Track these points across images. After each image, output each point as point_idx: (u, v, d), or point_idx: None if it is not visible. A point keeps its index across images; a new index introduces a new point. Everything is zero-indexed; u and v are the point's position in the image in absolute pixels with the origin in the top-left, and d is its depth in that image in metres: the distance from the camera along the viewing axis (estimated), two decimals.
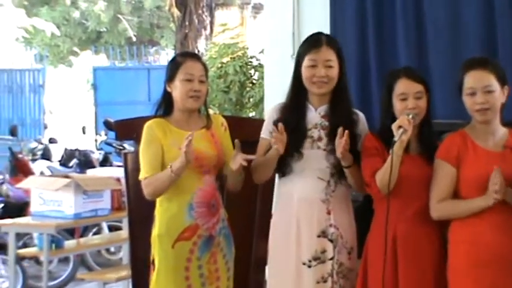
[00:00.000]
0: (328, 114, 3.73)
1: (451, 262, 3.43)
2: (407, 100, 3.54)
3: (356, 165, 3.63)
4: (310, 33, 3.89)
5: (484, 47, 4.89)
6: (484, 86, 3.39)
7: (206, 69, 3.86)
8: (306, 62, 3.69)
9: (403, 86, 3.57)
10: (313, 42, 3.74)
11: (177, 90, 3.75)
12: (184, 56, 3.95)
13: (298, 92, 3.75)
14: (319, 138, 3.70)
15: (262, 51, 8.71)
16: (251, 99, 9.62)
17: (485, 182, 3.30)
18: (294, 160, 3.69)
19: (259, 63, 9.50)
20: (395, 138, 3.35)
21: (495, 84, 3.40)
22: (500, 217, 3.33)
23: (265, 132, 3.79)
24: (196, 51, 12.49)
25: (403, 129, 3.36)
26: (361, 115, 3.81)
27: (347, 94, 3.77)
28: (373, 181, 3.49)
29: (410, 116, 3.43)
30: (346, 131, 3.50)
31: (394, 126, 3.40)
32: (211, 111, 4.25)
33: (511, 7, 4.89)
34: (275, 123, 3.66)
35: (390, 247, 3.50)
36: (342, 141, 3.50)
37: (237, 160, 3.60)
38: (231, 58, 9.89)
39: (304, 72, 3.70)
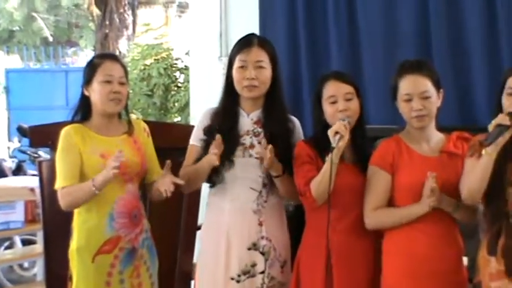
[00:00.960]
0: (261, 120, 3.74)
1: (385, 273, 3.47)
2: (337, 103, 3.56)
3: (287, 174, 3.64)
4: (239, 34, 3.90)
5: (419, 51, 4.98)
6: (421, 92, 3.43)
7: (126, 71, 3.82)
8: (236, 63, 3.69)
9: (332, 88, 3.59)
10: (243, 43, 3.74)
11: (96, 93, 3.70)
12: (102, 57, 3.90)
13: (229, 97, 3.74)
14: (251, 146, 3.70)
15: (188, 53, 8.69)
16: (176, 104, 9.59)
17: (421, 189, 3.35)
18: (225, 169, 3.68)
19: (185, 66, 9.49)
20: (333, 145, 3.36)
21: (431, 89, 3.45)
22: (435, 227, 3.38)
23: (195, 139, 3.77)
24: (117, 52, 12.40)
25: (339, 135, 3.37)
26: (297, 123, 3.82)
27: (281, 99, 3.77)
28: (308, 190, 3.49)
29: (346, 121, 3.44)
30: (270, 146, 3.49)
31: (330, 132, 3.41)
32: (134, 116, 4.22)
33: (446, 11, 5.00)
34: (205, 130, 3.68)
35: (325, 258, 3.52)
36: (266, 153, 3.50)
37: (165, 182, 3.56)
38: (154, 60, 9.85)
39: (235, 74, 3.69)
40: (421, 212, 3.36)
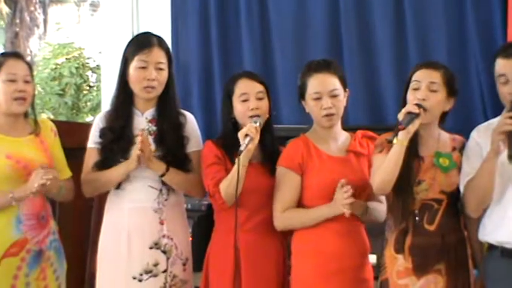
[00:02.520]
0: (156, 118, 3.72)
1: (295, 273, 3.48)
2: (248, 101, 3.57)
3: (174, 170, 3.63)
4: None
5: (329, 51, 5.04)
6: (330, 90, 3.45)
7: (31, 69, 3.75)
8: (135, 63, 3.64)
9: (244, 86, 3.59)
10: (143, 42, 3.69)
11: (0, 92, 3.62)
12: (5, 55, 3.81)
13: (123, 96, 3.71)
14: (148, 143, 3.65)
15: (100, 52, 8.60)
16: (88, 103, 9.49)
17: (329, 189, 3.37)
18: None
19: (97, 65, 9.39)
20: (242, 148, 3.34)
21: (340, 88, 3.48)
22: (344, 225, 3.40)
23: (92, 142, 3.73)
24: (28, 52, 12.17)
25: (250, 137, 3.36)
26: (189, 116, 3.81)
27: (174, 96, 3.75)
28: (217, 191, 3.48)
29: (257, 124, 3.43)
30: (140, 139, 3.49)
31: (240, 134, 3.39)
32: (45, 116, 4.15)
33: (355, 10, 5.07)
34: (101, 132, 3.66)
35: (233, 258, 3.52)
36: (134, 149, 3.52)
37: (38, 178, 3.50)
38: (66, 59, 9.72)
39: (133, 74, 3.64)
40: (331, 214, 3.38)
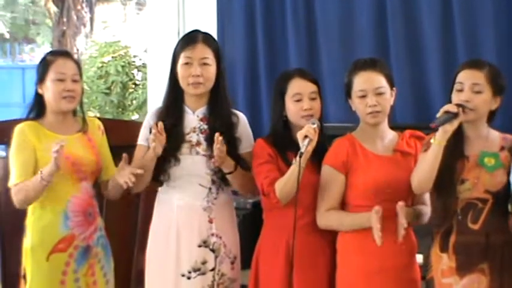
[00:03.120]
0: (207, 116, 3.73)
1: (340, 272, 3.49)
2: (302, 101, 3.57)
3: (239, 169, 3.64)
4: None
5: (376, 50, 5.01)
6: (376, 88, 3.45)
7: (80, 67, 3.80)
8: (181, 60, 3.67)
9: (297, 86, 3.59)
10: (188, 39, 3.72)
11: (49, 91, 3.68)
12: (55, 54, 3.86)
13: (174, 94, 3.73)
14: (198, 143, 3.68)
15: (146, 50, 8.65)
16: (134, 101, 9.55)
17: (374, 188, 3.38)
18: (171, 166, 3.67)
19: (143, 63, 9.43)
20: (302, 150, 3.33)
21: (385, 86, 3.48)
22: (388, 223, 3.37)
23: (142, 139, 3.75)
24: (75, 50, 12.29)
25: (308, 139, 3.36)
26: (241, 116, 3.82)
27: (225, 95, 3.76)
28: (272, 191, 3.48)
29: (316, 125, 3.42)
30: (219, 137, 3.48)
31: (299, 136, 3.38)
32: (91, 114, 4.19)
33: (402, 9, 5.03)
34: (151, 129, 3.63)
35: (285, 256, 3.52)
36: (215, 149, 3.50)
37: (124, 174, 3.53)
38: (112, 57, 9.79)
39: (180, 71, 3.67)
40: (367, 225, 3.36)
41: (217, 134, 3.51)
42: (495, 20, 4.80)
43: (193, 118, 3.73)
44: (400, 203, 3.30)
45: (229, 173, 3.64)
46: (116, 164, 3.72)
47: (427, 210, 3.51)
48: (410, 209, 3.42)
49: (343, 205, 3.51)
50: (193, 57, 3.65)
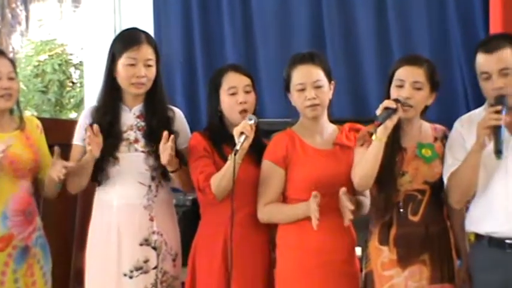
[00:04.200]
0: (144, 114, 3.71)
1: (279, 267, 3.50)
2: (236, 94, 3.57)
3: (182, 167, 3.63)
4: None
5: (313, 44, 5.03)
6: (314, 81, 3.46)
7: (14, 65, 3.74)
8: (124, 60, 3.63)
9: (232, 80, 3.60)
10: (132, 39, 3.68)
11: None
12: None
13: (111, 92, 3.69)
14: (136, 140, 3.66)
15: (82, 48, 8.58)
16: (72, 100, 9.46)
17: (314, 182, 3.38)
18: (110, 165, 3.64)
19: (80, 61, 9.35)
20: (237, 147, 3.33)
21: (324, 79, 3.49)
22: (328, 218, 3.38)
23: (77, 139, 3.71)
24: (10, 49, 12.10)
25: (245, 135, 3.36)
26: (177, 111, 3.81)
27: (162, 91, 3.75)
28: (208, 186, 3.48)
29: (252, 122, 3.41)
30: (172, 136, 3.47)
31: (236, 132, 3.38)
32: (28, 113, 4.14)
33: (338, 4, 5.09)
34: (87, 128, 3.61)
35: (222, 251, 3.52)
36: (167, 147, 3.47)
37: (57, 168, 3.50)
38: (48, 56, 9.68)
39: (122, 71, 3.64)
40: (306, 215, 3.36)
41: (165, 132, 3.49)
42: (428, 14, 4.89)
43: (130, 116, 3.71)
44: (343, 189, 3.32)
45: (174, 171, 3.62)
46: None
47: (367, 201, 3.53)
48: (352, 197, 3.43)
49: (283, 199, 3.52)
50: (138, 58, 3.63)
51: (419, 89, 3.34)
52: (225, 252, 3.49)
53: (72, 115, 9.35)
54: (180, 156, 3.65)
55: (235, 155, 3.33)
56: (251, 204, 3.53)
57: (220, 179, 3.43)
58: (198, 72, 5.45)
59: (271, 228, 3.58)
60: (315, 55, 3.54)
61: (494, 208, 3.26)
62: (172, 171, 3.62)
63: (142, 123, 3.70)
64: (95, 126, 3.51)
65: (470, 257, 3.44)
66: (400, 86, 3.35)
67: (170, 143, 3.47)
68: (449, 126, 3.47)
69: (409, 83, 3.33)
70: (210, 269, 3.54)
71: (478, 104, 3.46)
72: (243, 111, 3.54)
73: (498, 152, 3.11)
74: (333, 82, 3.55)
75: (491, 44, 3.29)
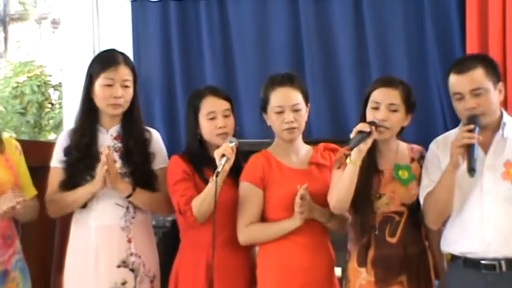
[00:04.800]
0: (121, 135, 3.71)
1: (260, 286, 3.50)
2: (216, 119, 3.58)
3: (140, 191, 3.62)
4: None
5: (292, 66, 5.03)
6: (293, 105, 3.47)
7: None
8: (101, 81, 3.63)
9: (211, 104, 3.60)
10: (108, 60, 3.68)
11: None
12: None
13: (88, 113, 3.70)
14: (114, 161, 3.63)
15: (61, 69, 8.55)
16: (51, 121, 9.39)
17: (292, 201, 3.38)
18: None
19: (59, 82, 9.30)
20: (219, 169, 3.33)
21: (302, 103, 3.51)
22: (308, 238, 3.43)
23: (55, 161, 3.71)
24: None
25: (226, 157, 3.36)
26: (154, 132, 3.82)
27: (139, 112, 3.76)
28: (189, 209, 3.47)
29: (233, 144, 3.43)
30: (107, 154, 3.47)
31: (217, 154, 3.38)
32: (6, 135, 4.11)
33: (316, 25, 5.11)
34: (65, 150, 3.64)
35: (205, 273, 3.51)
36: (100, 168, 3.49)
37: (6, 202, 3.45)
38: (27, 77, 9.62)
39: (100, 91, 3.64)
40: (293, 226, 3.40)
41: (104, 151, 3.49)
42: (406, 36, 4.93)
43: (107, 137, 3.70)
44: (304, 185, 3.32)
45: (128, 196, 3.62)
46: (35, 184, 3.69)
47: (347, 215, 3.52)
48: (326, 209, 3.43)
49: (262, 221, 3.51)
50: (115, 79, 3.63)
51: (394, 111, 3.35)
52: (208, 275, 3.48)
53: (51, 137, 9.28)
54: (154, 176, 3.66)
55: (216, 176, 3.32)
56: (231, 226, 3.52)
57: (202, 202, 3.42)
58: (177, 93, 5.46)
59: (251, 250, 3.58)
60: (293, 77, 3.56)
61: (469, 228, 3.28)
62: (126, 196, 3.62)
63: (119, 145, 3.70)
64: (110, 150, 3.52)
65: (446, 277, 3.45)
66: (376, 108, 3.36)
67: (104, 163, 3.46)
68: (427, 147, 3.49)
69: (384, 105, 3.35)
70: None
71: (455, 124, 3.49)
72: (223, 134, 3.54)
73: (471, 170, 3.13)
74: (309, 104, 3.56)
75: (463, 65, 3.32)
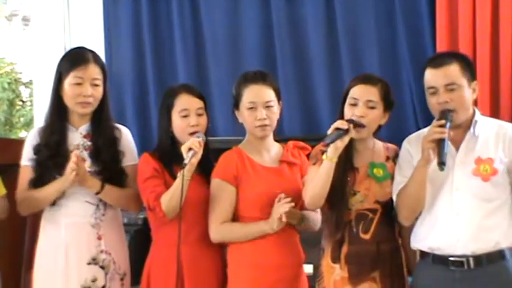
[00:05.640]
0: (90, 133, 3.69)
1: (231, 285, 3.49)
2: (189, 117, 3.56)
3: (109, 187, 3.61)
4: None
5: (264, 63, 5.05)
6: (266, 102, 3.47)
7: None
8: (71, 79, 3.60)
9: (184, 102, 3.58)
10: (78, 58, 3.65)
11: None
12: None
13: (57, 111, 3.66)
14: (83, 160, 3.61)
15: (32, 67, 8.49)
16: (21, 119, 9.34)
17: (264, 199, 3.39)
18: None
19: (30, 80, 9.24)
20: (186, 161, 3.32)
21: (275, 99, 3.51)
22: (281, 235, 3.43)
23: (25, 159, 3.68)
24: None
25: (193, 151, 3.35)
26: (124, 130, 3.80)
27: (108, 111, 3.73)
28: (158, 205, 3.44)
29: (201, 138, 3.42)
30: (75, 156, 3.46)
31: (184, 148, 3.38)
32: None
33: (288, 22, 5.11)
34: (35, 149, 3.62)
35: (175, 271, 3.48)
36: (68, 167, 3.47)
37: None
38: None
39: (69, 90, 3.61)
40: (268, 231, 3.40)
41: (73, 153, 3.48)
42: (377, 33, 4.92)
43: (77, 135, 3.68)
44: (281, 194, 3.34)
45: (97, 193, 3.60)
46: (5, 182, 3.65)
47: (317, 216, 3.54)
48: (297, 211, 3.45)
49: (234, 219, 3.50)
50: (84, 78, 3.60)
51: (372, 107, 3.36)
52: (180, 273, 3.46)
53: (22, 134, 9.22)
54: (124, 174, 3.66)
55: (183, 169, 3.31)
56: (202, 224, 3.51)
57: (171, 197, 3.40)
58: (149, 91, 5.43)
59: (222, 247, 3.56)
60: (266, 75, 3.56)
61: (439, 223, 3.30)
62: (96, 193, 3.60)
63: (89, 143, 3.67)
64: (73, 156, 3.48)
65: (415, 274, 3.46)
66: (354, 105, 3.37)
67: (73, 164, 3.44)
68: (399, 145, 3.50)
69: (362, 101, 3.35)
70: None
71: (427, 123, 3.49)
72: (195, 133, 3.53)
73: (441, 164, 3.14)
74: (281, 102, 3.56)
75: (438, 60, 3.34)
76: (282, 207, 3.32)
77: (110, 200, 3.65)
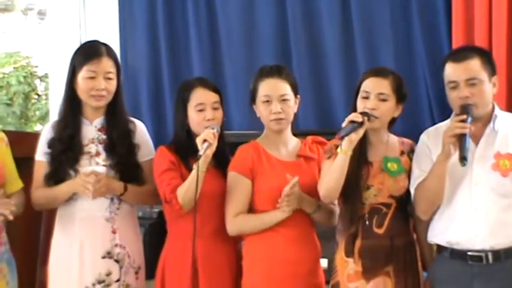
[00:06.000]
0: (105, 126, 3.70)
1: (246, 279, 3.49)
2: (204, 111, 3.56)
3: (131, 187, 3.62)
4: None
5: (278, 57, 5.05)
6: (280, 95, 3.47)
7: None
8: (84, 73, 3.60)
9: (200, 96, 3.58)
10: (91, 51, 3.65)
11: None
12: None
13: (71, 105, 3.67)
14: (97, 153, 3.64)
15: (48, 60, 8.51)
16: (37, 112, 9.36)
17: (280, 193, 3.37)
18: (71, 179, 3.59)
19: (45, 73, 9.27)
20: (200, 153, 3.33)
21: (290, 93, 3.51)
22: (294, 230, 3.44)
23: (40, 154, 3.69)
24: None
25: (208, 143, 3.35)
26: (138, 123, 3.80)
27: (122, 104, 3.74)
28: (174, 197, 3.45)
29: (215, 130, 3.42)
30: (96, 172, 3.47)
31: (198, 140, 3.38)
32: None
33: (303, 16, 5.09)
34: (49, 143, 3.62)
35: (191, 266, 3.49)
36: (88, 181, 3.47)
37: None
38: (13, 68, 9.57)
39: (82, 83, 3.61)
40: (281, 217, 3.41)
41: (91, 170, 3.49)
42: (393, 27, 4.91)
43: (91, 129, 3.69)
44: (295, 179, 3.32)
45: (121, 195, 3.61)
46: (21, 175, 3.66)
47: (336, 208, 3.54)
48: (312, 199, 3.45)
49: (249, 211, 3.51)
50: (98, 71, 3.60)
51: (384, 100, 3.36)
52: (195, 266, 3.48)
53: (38, 127, 9.25)
54: (140, 168, 3.66)
55: (198, 161, 3.32)
56: (217, 217, 3.52)
57: (187, 189, 3.41)
58: (164, 84, 5.43)
59: (238, 241, 3.57)
60: (282, 69, 3.56)
61: (457, 218, 3.29)
62: (119, 195, 3.62)
63: (104, 137, 3.68)
64: (90, 172, 3.49)
65: (432, 269, 3.45)
66: (366, 98, 3.37)
67: (90, 179, 3.46)
68: (414, 139, 3.49)
69: (374, 94, 3.35)
70: (180, 283, 3.51)
71: (442, 118, 3.49)
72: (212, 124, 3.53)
73: (463, 159, 3.14)
74: (298, 96, 3.56)
75: (460, 54, 3.34)
76: (287, 186, 3.32)
77: (131, 200, 3.67)
